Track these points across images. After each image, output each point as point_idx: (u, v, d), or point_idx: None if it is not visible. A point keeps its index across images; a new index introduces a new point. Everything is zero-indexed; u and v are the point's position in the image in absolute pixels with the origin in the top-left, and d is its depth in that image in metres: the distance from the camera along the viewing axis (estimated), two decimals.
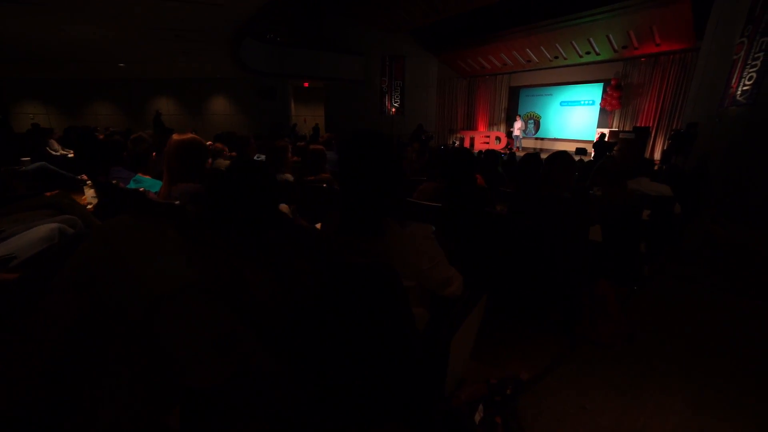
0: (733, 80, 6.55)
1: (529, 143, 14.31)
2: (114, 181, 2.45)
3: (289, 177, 2.80)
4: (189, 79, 12.44)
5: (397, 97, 14.93)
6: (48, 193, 2.26)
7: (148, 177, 2.23)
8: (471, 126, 16.16)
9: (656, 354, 1.84)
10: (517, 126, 13.73)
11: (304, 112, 16.83)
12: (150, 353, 0.84)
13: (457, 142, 15.67)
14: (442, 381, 1.02)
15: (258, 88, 13.60)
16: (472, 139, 14.63)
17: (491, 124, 15.47)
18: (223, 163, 3.53)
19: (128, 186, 2.26)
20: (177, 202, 1.72)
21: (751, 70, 6.16)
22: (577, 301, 1.81)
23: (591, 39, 10.34)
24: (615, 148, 9.32)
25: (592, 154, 9.65)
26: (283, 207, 2.33)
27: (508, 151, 11.84)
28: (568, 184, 1.75)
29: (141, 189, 2.13)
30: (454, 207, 1.71)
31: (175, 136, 1.83)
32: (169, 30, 5.89)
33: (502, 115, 15.09)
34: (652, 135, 10.63)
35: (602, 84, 11.91)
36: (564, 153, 1.79)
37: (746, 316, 2.27)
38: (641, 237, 2.24)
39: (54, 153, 6.42)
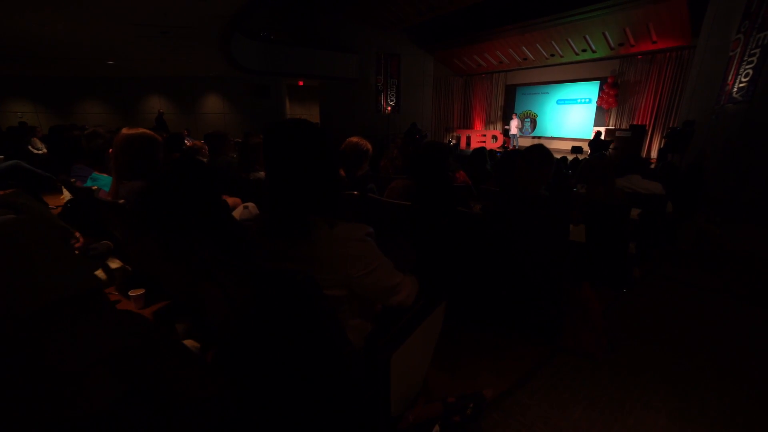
0: (730, 77, 6.45)
1: (525, 142, 14.17)
2: (73, 180, 2.33)
3: (262, 175, 2.68)
4: (182, 77, 12.29)
5: (392, 95, 14.81)
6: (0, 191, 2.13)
7: (104, 174, 2.10)
8: (467, 125, 16.05)
9: (640, 363, 1.72)
10: (514, 124, 13.61)
11: (299, 111, 16.69)
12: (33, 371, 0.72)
13: (453, 141, 15.56)
14: (386, 402, 0.90)
15: (252, 86, 13.46)
16: (468, 138, 14.52)
17: (488, 123, 15.36)
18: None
19: (85, 184, 2.14)
20: (122, 201, 1.60)
21: (747, 67, 6.05)
22: (556, 306, 1.69)
23: (587, 36, 10.22)
24: (611, 146, 9.21)
25: (588, 153, 9.54)
26: (237, 203, 2.21)
27: (503, 150, 11.72)
28: (545, 181, 1.62)
29: (94, 187, 2.01)
30: (422, 206, 1.59)
31: (124, 130, 1.71)
32: (155, 27, 5.76)
33: (499, 113, 14.98)
34: (649, 133, 10.53)
35: (599, 82, 11.80)
36: (539, 147, 1.67)
37: (738, 322, 2.15)
38: (630, 237, 2.12)
39: (36, 151, 6.28)
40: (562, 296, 1.69)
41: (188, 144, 7.91)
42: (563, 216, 1.55)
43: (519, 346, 1.69)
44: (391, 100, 14.83)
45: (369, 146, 2.28)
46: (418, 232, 1.63)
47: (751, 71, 5.97)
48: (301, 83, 15.00)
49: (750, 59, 6.03)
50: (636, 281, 2.36)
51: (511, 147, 13.68)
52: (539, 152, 1.64)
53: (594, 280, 1.91)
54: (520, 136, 13.87)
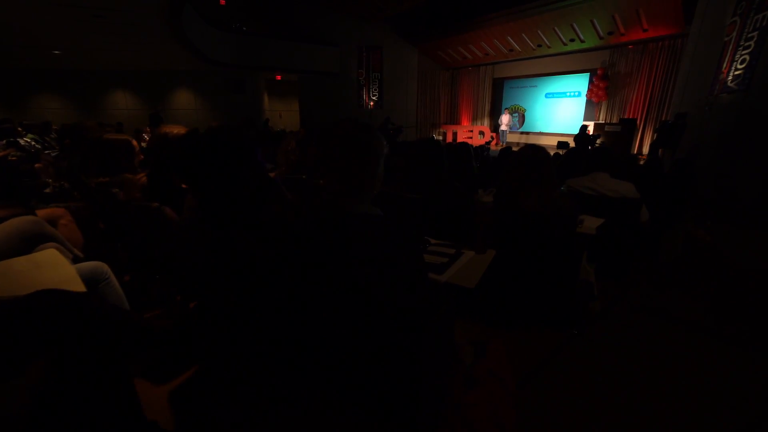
0: (724, 64, 5.90)
1: (513, 138, 13.63)
2: None
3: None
4: (149, 71, 11.63)
5: (375, 89, 14.19)
6: None
7: None
8: (454, 120, 15.46)
9: None
10: (504, 120, 13.02)
11: (279, 106, 16.05)
12: None
13: (441, 138, 14.98)
14: None
15: (226, 81, 12.81)
16: (455, 134, 13.94)
17: (475, 118, 14.78)
18: None
19: None
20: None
21: (743, 53, 5.49)
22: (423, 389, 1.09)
23: (574, 24, 9.63)
24: (598, 141, 8.66)
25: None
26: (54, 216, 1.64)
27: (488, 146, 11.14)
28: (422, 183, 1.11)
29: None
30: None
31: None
32: (85, 9, 5.15)
33: (486, 108, 14.40)
34: (641, 127, 9.98)
35: (588, 74, 11.24)
36: (430, 140, 1.15)
37: (729, 375, 1.59)
38: (577, 258, 1.56)
39: None
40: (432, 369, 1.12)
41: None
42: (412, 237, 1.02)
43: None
44: (374, 95, 14.22)
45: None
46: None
47: (747, 57, 5.41)
48: (278, 78, 14.34)
49: (747, 44, 5.47)
50: (595, 317, 1.80)
51: (500, 143, 13.11)
52: (429, 146, 1.10)
53: (528, 320, 1.35)
54: (509, 132, 13.29)
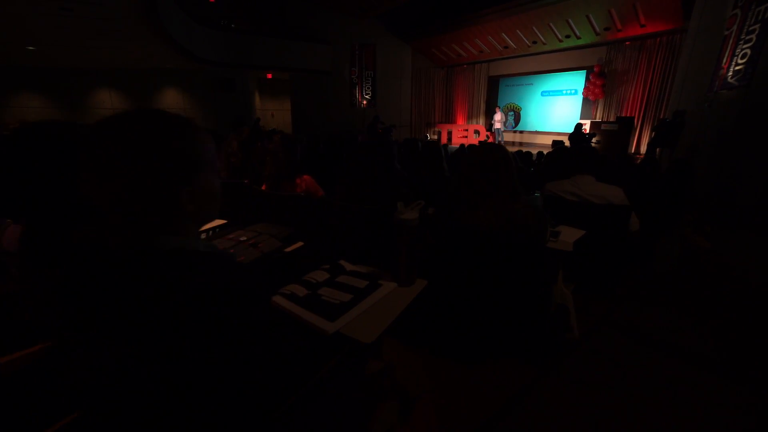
0: (725, 59, 5.64)
1: (509, 137, 13.36)
2: None
3: None
4: (135, 69, 11.34)
5: (368, 88, 13.92)
6: None
7: None
8: (449, 119, 15.18)
9: None
10: (497, 118, 12.74)
11: (271, 105, 15.76)
12: None
13: (435, 137, 14.70)
14: None
15: (214, 80, 12.54)
16: (449, 133, 13.66)
17: (470, 117, 14.50)
18: None
19: None
20: None
21: (744, 47, 5.23)
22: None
23: (570, 20, 9.35)
24: (594, 140, 8.39)
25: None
26: None
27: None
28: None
29: None
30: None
31: None
32: (50, 1, 4.88)
33: (482, 106, 14.12)
34: (638, 126, 9.71)
35: (585, 71, 10.96)
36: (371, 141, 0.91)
37: (733, 418, 1.33)
38: (550, 279, 1.30)
39: None
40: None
41: None
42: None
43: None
44: (367, 94, 13.95)
45: None
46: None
47: (749, 51, 5.14)
48: (269, 76, 14.07)
49: (748, 37, 5.21)
50: (573, 344, 1.53)
51: (496, 142, 12.85)
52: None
53: (491, 354, 1.09)
54: (504, 131, 13.02)
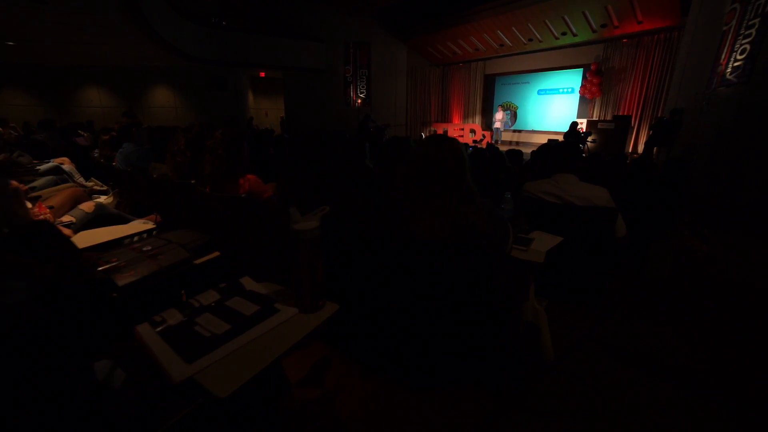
0: (723, 56, 5.46)
1: (506, 136, 13.17)
2: None
3: None
4: (124, 67, 11.12)
5: (362, 86, 13.72)
6: None
7: None
8: (445, 118, 14.99)
9: None
10: (498, 117, 12.55)
11: (265, 104, 15.57)
12: None
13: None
14: None
15: (206, 78, 12.33)
16: (445, 132, 13.46)
17: (466, 116, 14.32)
18: None
19: None
20: None
21: (743, 42, 5.05)
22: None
23: (566, 17, 9.17)
24: (589, 139, 8.20)
25: None
26: None
27: (474, 144, 10.67)
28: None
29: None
30: None
31: None
32: None
33: (478, 105, 13.93)
34: (635, 125, 9.53)
35: (582, 69, 10.78)
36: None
37: None
38: (517, 295, 1.10)
39: None
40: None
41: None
42: None
43: None
44: (362, 92, 13.75)
45: None
46: None
47: (748, 46, 4.96)
48: (262, 74, 13.87)
49: (747, 32, 5.02)
50: (546, 368, 1.33)
51: (492, 141, 12.65)
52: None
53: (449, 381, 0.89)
54: (502, 130, 12.83)
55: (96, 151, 4.38)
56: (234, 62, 11.49)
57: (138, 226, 1.44)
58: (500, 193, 2.10)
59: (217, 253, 1.03)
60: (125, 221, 1.90)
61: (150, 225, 1.48)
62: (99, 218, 1.79)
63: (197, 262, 0.99)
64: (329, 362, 1.36)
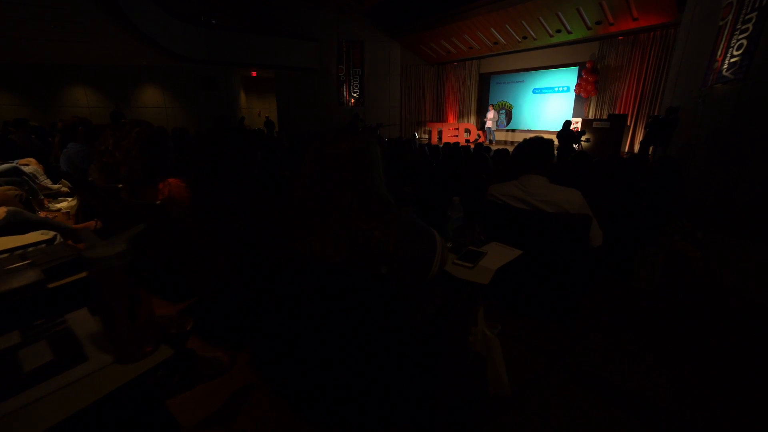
0: (719, 52, 5.28)
1: (500, 136, 12.98)
2: None
3: None
4: (112, 66, 10.94)
5: (356, 86, 13.55)
6: None
7: None
8: (440, 118, 14.80)
9: None
10: (490, 116, 12.36)
11: (257, 104, 15.38)
12: None
13: (426, 136, 14.31)
14: None
15: (196, 77, 12.14)
16: (440, 132, 13.28)
17: (461, 116, 14.13)
18: None
19: None
20: None
21: (740, 37, 4.86)
22: None
23: (560, 14, 8.97)
24: (583, 138, 8.00)
25: (557, 147, 8.20)
26: None
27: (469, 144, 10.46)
28: None
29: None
30: None
31: None
32: None
33: (473, 105, 13.73)
34: (632, 124, 9.34)
35: (577, 68, 10.59)
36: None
37: None
38: (458, 322, 0.91)
39: None
40: None
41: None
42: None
43: None
44: (355, 92, 13.58)
45: None
46: None
47: (745, 41, 4.77)
48: (254, 74, 13.68)
49: (744, 27, 4.83)
50: (501, 405, 1.12)
51: (486, 141, 12.46)
52: None
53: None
54: (496, 130, 12.64)
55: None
56: (224, 61, 11.31)
57: (33, 237, 1.25)
58: (482, 195, 1.91)
59: (84, 274, 0.85)
60: (48, 228, 1.70)
61: (48, 236, 1.29)
62: (14, 225, 1.61)
63: (52, 285, 0.80)
64: (248, 392, 1.17)
